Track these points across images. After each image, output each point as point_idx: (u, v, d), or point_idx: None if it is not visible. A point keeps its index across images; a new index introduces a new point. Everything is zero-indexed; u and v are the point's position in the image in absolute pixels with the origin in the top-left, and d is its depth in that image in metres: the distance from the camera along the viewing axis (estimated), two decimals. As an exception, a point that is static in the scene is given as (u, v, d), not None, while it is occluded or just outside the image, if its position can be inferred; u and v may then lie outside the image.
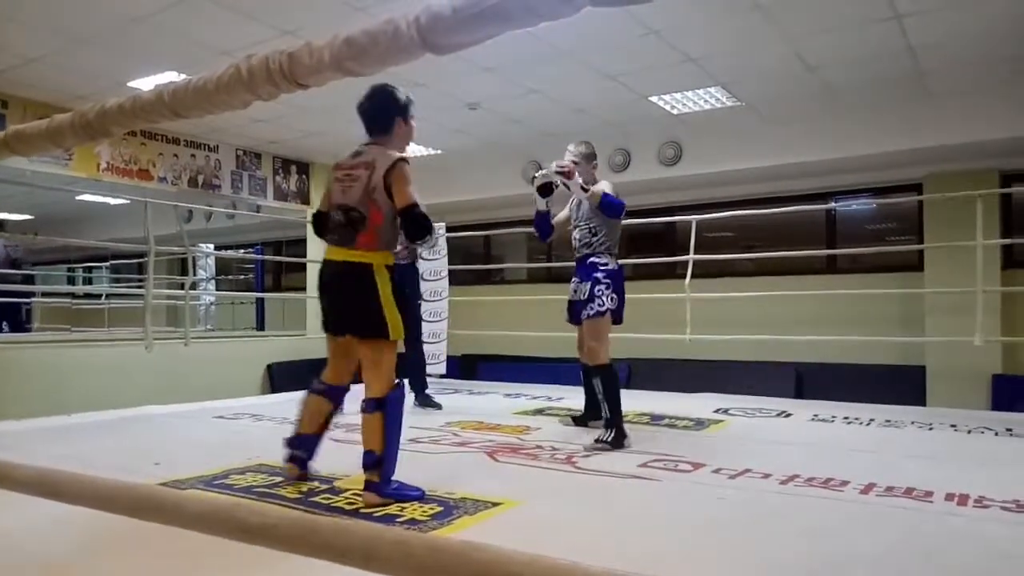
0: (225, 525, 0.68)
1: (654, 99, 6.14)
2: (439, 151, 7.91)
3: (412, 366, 4.73)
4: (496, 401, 5.30)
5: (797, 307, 6.45)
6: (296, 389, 5.01)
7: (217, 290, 10.12)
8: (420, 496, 2.50)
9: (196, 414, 4.48)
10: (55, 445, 3.43)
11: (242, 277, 11.27)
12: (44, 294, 10.32)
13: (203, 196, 7.63)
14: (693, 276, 5.65)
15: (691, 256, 5.66)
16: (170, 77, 5.41)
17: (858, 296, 6.09)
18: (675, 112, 6.47)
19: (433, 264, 6.88)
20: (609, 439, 3.43)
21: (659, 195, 7.73)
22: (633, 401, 5.19)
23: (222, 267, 10.63)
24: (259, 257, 9.51)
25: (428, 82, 5.63)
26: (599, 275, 3.63)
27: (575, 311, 3.77)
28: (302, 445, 2.72)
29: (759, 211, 6.22)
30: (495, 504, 2.43)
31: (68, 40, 4.86)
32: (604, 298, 3.59)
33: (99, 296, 10.69)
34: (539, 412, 4.64)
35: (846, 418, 4.39)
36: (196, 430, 3.20)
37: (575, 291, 3.77)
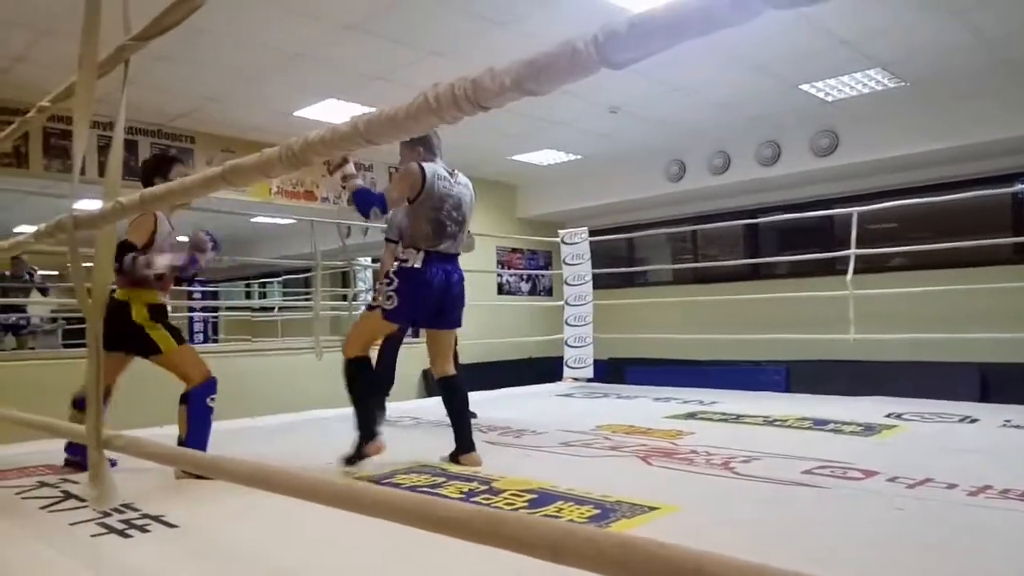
0: (424, 518, 0.74)
1: (806, 87, 5.83)
2: (578, 156, 7.95)
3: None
4: (646, 405, 5.24)
5: (979, 301, 5.85)
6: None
7: (374, 300, 10.77)
8: None
9: (361, 417, 4.75)
10: (240, 445, 3.77)
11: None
12: (227, 308, 11.44)
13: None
14: (855, 272, 5.29)
15: (852, 251, 5.31)
16: (330, 104, 5.84)
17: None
18: (829, 99, 6.11)
19: (576, 268, 6.92)
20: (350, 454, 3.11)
21: (813, 188, 7.33)
22: (793, 405, 4.95)
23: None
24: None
25: (572, 89, 5.68)
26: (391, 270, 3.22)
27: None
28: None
29: (931, 198, 5.67)
30: (652, 508, 2.40)
31: (241, 78, 5.39)
32: (380, 295, 3.18)
33: (272, 309, 11.69)
34: (691, 416, 4.53)
35: (1045, 424, 3.94)
36: (362, 432, 3.48)
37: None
